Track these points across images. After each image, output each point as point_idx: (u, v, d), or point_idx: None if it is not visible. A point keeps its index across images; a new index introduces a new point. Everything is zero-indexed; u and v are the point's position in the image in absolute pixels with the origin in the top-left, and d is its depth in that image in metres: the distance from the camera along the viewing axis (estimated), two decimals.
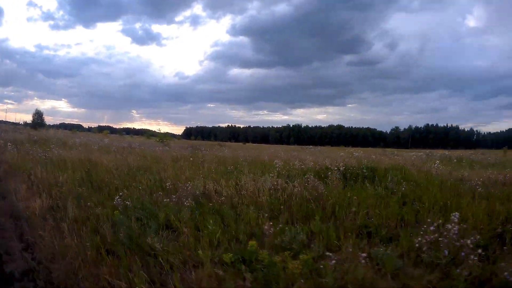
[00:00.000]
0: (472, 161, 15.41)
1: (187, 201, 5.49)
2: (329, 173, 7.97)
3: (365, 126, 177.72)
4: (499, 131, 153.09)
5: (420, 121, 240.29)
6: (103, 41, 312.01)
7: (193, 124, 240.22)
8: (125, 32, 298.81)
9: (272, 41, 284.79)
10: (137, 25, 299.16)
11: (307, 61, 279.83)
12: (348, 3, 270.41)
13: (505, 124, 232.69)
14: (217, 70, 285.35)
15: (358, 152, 16.72)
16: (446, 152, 26.30)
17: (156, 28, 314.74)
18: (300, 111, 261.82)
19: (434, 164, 11.45)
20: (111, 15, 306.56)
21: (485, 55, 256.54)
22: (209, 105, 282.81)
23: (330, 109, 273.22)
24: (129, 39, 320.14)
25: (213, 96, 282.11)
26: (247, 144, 69.65)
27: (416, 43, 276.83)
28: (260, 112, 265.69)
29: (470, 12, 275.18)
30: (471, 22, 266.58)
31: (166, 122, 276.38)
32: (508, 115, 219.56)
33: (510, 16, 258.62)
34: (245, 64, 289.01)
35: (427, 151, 32.09)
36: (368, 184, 7.37)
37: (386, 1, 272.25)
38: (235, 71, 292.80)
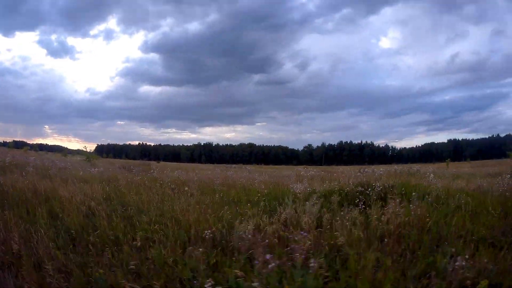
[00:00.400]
0: (435, 173, 15.30)
1: None
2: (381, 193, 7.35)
3: (276, 144, 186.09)
4: (414, 146, 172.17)
5: (330, 139, 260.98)
6: (20, 51, 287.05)
7: (104, 141, 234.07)
8: (41, 43, 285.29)
9: (183, 59, 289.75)
10: (53, 37, 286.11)
11: (216, 80, 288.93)
12: (260, 23, 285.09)
13: (417, 140, 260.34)
14: (127, 87, 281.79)
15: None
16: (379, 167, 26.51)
17: (71, 41, 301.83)
18: (208, 129, 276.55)
19: (429, 177, 11.24)
20: (30, 24, 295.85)
21: (398, 75, 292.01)
22: (119, 122, 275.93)
23: (239, 127, 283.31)
24: (44, 51, 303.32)
25: (123, 113, 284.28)
26: (162, 162, 67.27)
27: (327, 64, 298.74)
28: (169, 130, 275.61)
29: (385, 34, 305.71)
30: (385, 43, 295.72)
31: (77, 139, 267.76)
32: (420, 131, 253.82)
33: (425, 37, 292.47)
34: (155, 81, 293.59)
35: (359, 167, 32.93)
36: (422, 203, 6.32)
37: (299, 22, 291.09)
38: (145, 88, 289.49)
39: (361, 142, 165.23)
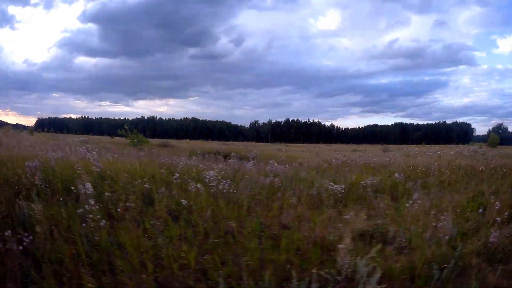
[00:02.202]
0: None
1: None
2: None
3: (220, 120, 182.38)
4: (357, 127, 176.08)
5: (262, 116, 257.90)
6: None
7: (41, 114, 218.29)
8: None
9: (119, 31, 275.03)
10: None
11: (151, 52, 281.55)
12: None
13: (351, 121, 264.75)
14: (63, 58, 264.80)
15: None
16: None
17: (11, 9, 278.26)
18: (142, 102, 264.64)
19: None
20: None
21: (334, 55, 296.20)
22: (55, 94, 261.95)
23: (172, 101, 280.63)
24: None
25: (59, 85, 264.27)
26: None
27: (263, 40, 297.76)
28: (103, 103, 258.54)
29: (324, 15, 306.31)
30: (323, 24, 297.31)
31: (14, 112, 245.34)
32: (354, 112, 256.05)
33: (365, 22, 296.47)
34: (91, 52, 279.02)
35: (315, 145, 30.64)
36: None
37: None
38: (81, 60, 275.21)
39: (308, 120, 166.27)
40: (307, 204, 5.86)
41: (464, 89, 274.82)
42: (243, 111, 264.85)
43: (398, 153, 21.86)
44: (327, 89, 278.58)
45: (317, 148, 42.59)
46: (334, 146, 61.10)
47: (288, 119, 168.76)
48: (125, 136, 26.41)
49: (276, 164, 10.16)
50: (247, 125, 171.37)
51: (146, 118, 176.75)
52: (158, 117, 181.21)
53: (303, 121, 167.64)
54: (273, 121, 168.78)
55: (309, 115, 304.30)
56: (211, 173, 6.60)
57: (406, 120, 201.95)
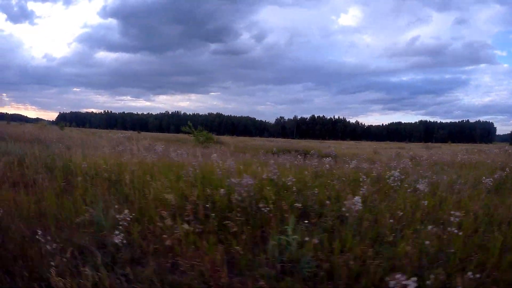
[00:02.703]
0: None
1: None
2: None
3: (244, 115, 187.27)
4: (380, 124, 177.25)
5: (284, 112, 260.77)
6: None
7: (61, 109, 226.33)
8: (2, 8, 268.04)
9: (140, 26, 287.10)
10: (14, 1, 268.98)
11: (172, 47, 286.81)
12: None
13: (371, 118, 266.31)
14: (84, 53, 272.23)
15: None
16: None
17: (31, 5, 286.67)
18: (163, 97, 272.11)
19: None
20: None
21: (355, 52, 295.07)
22: (75, 89, 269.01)
23: (193, 96, 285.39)
24: (4, 16, 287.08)
25: (79, 80, 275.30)
26: (143, 133, 62.79)
27: (284, 36, 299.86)
28: (124, 97, 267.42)
29: (345, 12, 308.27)
30: (345, 20, 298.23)
31: (34, 107, 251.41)
32: (375, 109, 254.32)
33: (385, 17, 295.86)
34: (111, 47, 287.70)
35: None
36: None
37: None
38: (101, 55, 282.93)
39: (333, 117, 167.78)
40: None
41: (485, 87, 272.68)
42: (265, 107, 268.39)
43: (447, 151, 22.38)
44: (348, 86, 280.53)
45: (356, 144, 42.63)
46: (365, 144, 59.86)
47: (314, 115, 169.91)
48: (188, 133, 26.82)
49: (356, 162, 9.38)
50: (271, 120, 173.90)
51: (170, 113, 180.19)
52: (182, 112, 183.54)
53: (328, 117, 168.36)
54: (299, 117, 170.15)
55: (330, 111, 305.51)
56: (396, 173, 5.98)
57: (427, 118, 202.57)
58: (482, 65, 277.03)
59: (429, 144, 46.86)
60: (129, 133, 35.63)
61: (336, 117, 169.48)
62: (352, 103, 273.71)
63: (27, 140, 13.72)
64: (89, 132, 38.91)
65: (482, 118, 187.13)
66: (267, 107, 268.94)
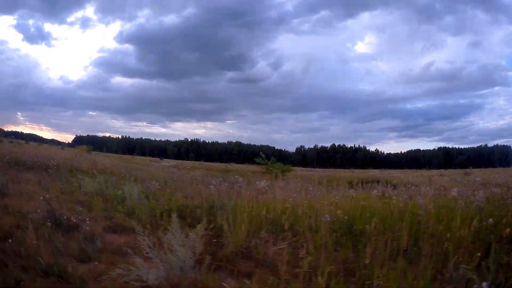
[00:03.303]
0: None
1: None
2: None
3: (263, 144, 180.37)
4: (399, 152, 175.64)
5: (300, 140, 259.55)
6: None
7: (77, 131, 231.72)
8: (19, 28, 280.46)
9: (156, 52, 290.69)
10: (31, 22, 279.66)
11: (188, 74, 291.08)
12: (237, 20, 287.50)
13: (387, 146, 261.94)
14: (100, 77, 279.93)
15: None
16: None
17: (48, 27, 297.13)
18: (178, 124, 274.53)
19: None
20: (8, 7, 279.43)
21: (371, 79, 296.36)
22: (91, 112, 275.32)
23: (209, 124, 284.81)
24: (21, 36, 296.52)
25: (94, 103, 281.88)
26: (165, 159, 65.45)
27: (300, 64, 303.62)
28: (139, 123, 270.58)
29: (362, 39, 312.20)
30: (361, 48, 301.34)
31: (48, 128, 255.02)
32: (391, 137, 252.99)
33: (401, 45, 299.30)
34: (128, 73, 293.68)
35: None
36: None
37: (276, 21, 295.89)
38: (117, 80, 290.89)
39: (354, 145, 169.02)
40: None
41: (500, 110, 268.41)
42: (281, 135, 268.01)
43: (495, 175, 24.70)
44: (364, 114, 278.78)
45: (391, 173, 44.78)
46: (393, 172, 56.04)
47: (334, 144, 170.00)
48: (260, 164, 26.62)
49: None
50: (288, 149, 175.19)
51: (189, 140, 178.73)
52: (201, 140, 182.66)
53: (348, 146, 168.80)
54: (319, 146, 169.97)
55: (346, 140, 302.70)
56: None
57: (442, 144, 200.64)
58: (497, 88, 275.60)
59: (467, 170, 49.34)
60: (171, 162, 37.44)
61: (357, 145, 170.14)
62: (368, 131, 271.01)
63: (86, 169, 14.13)
64: (120, 158, 38.81)
65: (498, 142, 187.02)
66: (283, 135, 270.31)
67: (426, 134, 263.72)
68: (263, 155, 26.59)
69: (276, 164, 25.56)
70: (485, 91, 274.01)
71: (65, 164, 15.52)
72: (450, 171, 50.60)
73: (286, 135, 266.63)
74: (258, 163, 27.03)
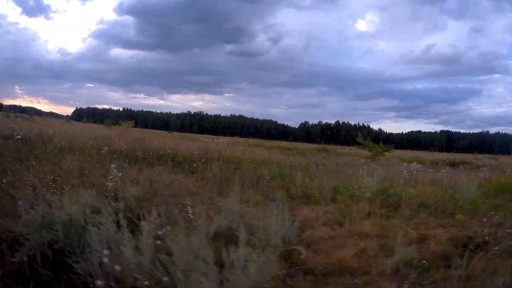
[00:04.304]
0: None
1: None
2: None
3: (266, 118, 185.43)
4: (400, 132, 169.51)
5: (298, 115, 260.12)
6: None
7: (77, 104, 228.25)
8: (17, 1, 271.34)
9: (156, 24, 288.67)
10: None
11: (188, 46, 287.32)
12: None
13: (384, 125, 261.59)
14: (99, 49, 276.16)
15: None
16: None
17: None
18: (176, 96, 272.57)
19: None
20: None
21: (371, 58, 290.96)
22: (89, 84, 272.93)
23: (207, 97, 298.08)
24: (20, 9, 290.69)
25: (93, 75, 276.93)
26: (174, 132, 67.35)
27: (301, 40, 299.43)
28: (137, 95, 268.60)
29: (362, 17, 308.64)
30: (362, 26, 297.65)
31: (46, 100, 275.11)
32: (388, 117, 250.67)
33: (401, 24, 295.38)
34: (127, 45, 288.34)
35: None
36: None
37: None
38: (116, 51, 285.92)
39: (358, 123, 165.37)
40: None
41: (498, 98, 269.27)
42: (279, 110, 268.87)
43: None
44: (362, 92, 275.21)
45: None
46: (410, 152, 57.72)
47: (338, 121, 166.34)
48: (361, 145, 25.47)
49: None
50: (289, 123, 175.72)
51: (192, 113, 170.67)
52: (204, 113, 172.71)
53: (352, 124, 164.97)
54: (323, 122, 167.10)
55: (343, 117, 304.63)
56: None
57: (439, 127, 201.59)
58: (496, 75, 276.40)
59: (494, 155, 50.60)
60: (226, 138, 34.85)
61: (361, 123, 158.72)
62: (366, 109, 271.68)
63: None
64: (181, 137, 35.08)
65: (495, 129, 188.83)
66: (281, 110, 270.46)
67: (424, 116, 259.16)
68: (360, 136, 25.76)
69: (377, 145, 24.59)
70: (484, 77, 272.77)
71: (178, 151, 12.50)
72: (468, 156, 50.14)
73: (284, 110, 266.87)
74: (359, 143, 26.23)
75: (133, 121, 33.03)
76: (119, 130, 27.43)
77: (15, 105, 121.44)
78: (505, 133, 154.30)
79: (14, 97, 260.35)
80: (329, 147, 40.82)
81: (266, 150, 20.99)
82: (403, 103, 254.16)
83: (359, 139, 25.51)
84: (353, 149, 41.99)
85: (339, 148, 45.05)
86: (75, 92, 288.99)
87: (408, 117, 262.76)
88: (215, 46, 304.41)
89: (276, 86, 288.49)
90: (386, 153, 23.86)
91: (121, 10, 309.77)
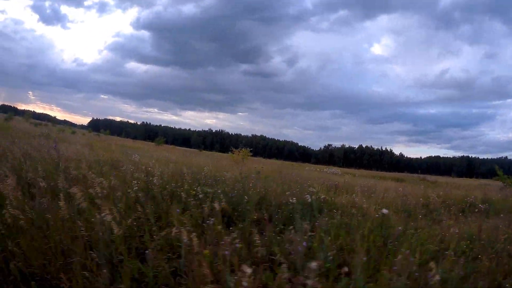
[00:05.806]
0: None
1: None
2: None
3: (287, 140, 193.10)
4: (418, 157, 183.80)
5: (311, 137, 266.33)
6: (13, 14, 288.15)
7: (84, 113, 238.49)
8: (35, 8, 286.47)
9: (172, 40, 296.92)
10: (47, 3, 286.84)
11: (203, 64, 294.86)
12: (255, 14, 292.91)
13: (396, 149, 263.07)
14: (114, 62, 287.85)
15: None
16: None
17: (64, 9, 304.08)
18: (190, 113, 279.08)
19: None
20: None
21: (385, 82, 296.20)
22: (102, 96, 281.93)
23: (220, 115, 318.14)
24: (37, 17, 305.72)
25: (107, 87, 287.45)
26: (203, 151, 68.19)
27: (316, 62, 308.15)
28: (151, 109, 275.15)
29: (378, 41, 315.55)
30: (377, 50, 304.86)
31: (59, 108, 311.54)
32: (400, 141, 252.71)
33: (417, 49, 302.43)
34: (142, 59, 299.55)
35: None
36: None
37: (294, 18, 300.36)
38: (132, 65, 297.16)
39: (381, 148, 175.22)
40: None
41: (511, 123, 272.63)
42: (292, 130, 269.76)
43: None
44: (376, 116, 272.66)
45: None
46: (439, 178, 49.05)
47: (361, 145, 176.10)
48: (498, 176, 22.91)
49: None
50: (307, 144, 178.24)
51: (214, 131, 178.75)
52: (225, 131, 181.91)
53: (376, 148, 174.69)
54: (347, 145, 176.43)
55: (356, 140, 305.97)
56: None
57: (450, 152, 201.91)
58: (509, 100, 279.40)
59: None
60: (332, 169, 33.49)
61: (383, 148, 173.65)
62: (379, 133, 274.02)
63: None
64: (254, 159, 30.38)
65: (507, 154, 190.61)
66: (294, 131, 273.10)
67: (436, 141, 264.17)
68: (500, 171, 23.12)
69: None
70: (497, 102, 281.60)
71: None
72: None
73: (297, 131, 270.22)
74: (498, 179, 23.46)
75: (250, 149, 28.27)
76: (235, 158, 24.36)
77: (28, 110, 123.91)
78: None
79: (27, 102, 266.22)
80: (430, 177, 40.14)
81: (398, 183, 19.52)
82: (416, 128, 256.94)
83: (499, 172, 23.09)
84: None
85: (428, 177, 41.42)
86: (88, 102, 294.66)
87: (420, 142, 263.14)
88: (230, 65, 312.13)
89: (289, 107, 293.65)
90: None
91: (138, 24, 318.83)
